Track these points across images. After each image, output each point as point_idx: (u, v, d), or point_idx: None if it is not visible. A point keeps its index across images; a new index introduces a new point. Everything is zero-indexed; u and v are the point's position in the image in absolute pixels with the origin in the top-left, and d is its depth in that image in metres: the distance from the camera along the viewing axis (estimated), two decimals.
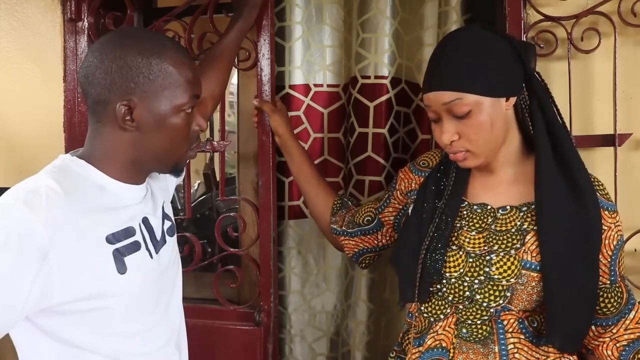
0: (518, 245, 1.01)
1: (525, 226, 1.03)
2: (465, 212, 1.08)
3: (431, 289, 1.07)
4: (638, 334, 1.03)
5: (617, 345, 1.03)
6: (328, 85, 1.66)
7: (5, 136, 1.77)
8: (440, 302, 1.06)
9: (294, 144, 1.43)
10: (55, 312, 0.87)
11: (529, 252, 1.01)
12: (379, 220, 1.25)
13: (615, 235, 1.03)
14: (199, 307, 1.60)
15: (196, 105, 0.99)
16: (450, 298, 1.05)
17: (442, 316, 1.06)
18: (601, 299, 1.03)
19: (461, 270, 1.03)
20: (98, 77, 0.92)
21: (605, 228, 1.02)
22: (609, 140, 1.34)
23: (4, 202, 0.84)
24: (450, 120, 1.01)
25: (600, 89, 1.37)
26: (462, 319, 1.04)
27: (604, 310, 1.04)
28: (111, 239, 0.91)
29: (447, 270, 1.04)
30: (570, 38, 1.35)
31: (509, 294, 1.00)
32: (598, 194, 1.03)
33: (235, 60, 1.49)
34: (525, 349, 1.01)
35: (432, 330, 1.07)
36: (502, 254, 1.01)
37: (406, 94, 1.64)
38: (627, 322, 1.04)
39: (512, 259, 1.00)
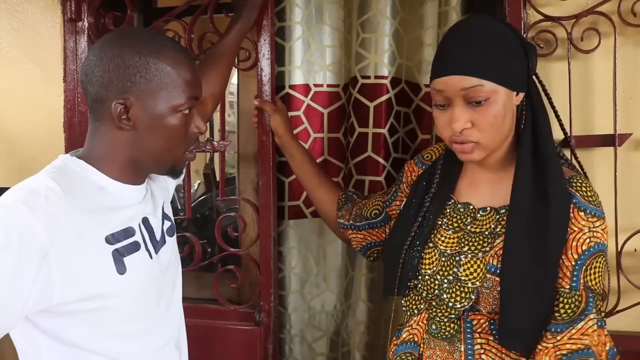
0: (487, 249, 1.00)
1: (497, 229, 1.01)
2: (448, 211, 1.09)
3: (409, 284, 1.08)
4: (580, 345, 0.95)
5: (557, 353, 0.96)
6: (328, 85, 1.66)
7: (5, 136, 1.77)
8: (416, 297, 1.08)
9: (294, 143, 1.43)
10: (56, 313, 0.87)
11: (495, 256, 0.99)
12: (387, 213, 1.25)
13: (588, 240, 0.96)
14: (199, 307, 1.60)
15: (195, 107, 0.99)
16: (424, 294, 1.06)
17: (416, 311, 1.08)
18: (556, 302, 0.97)
19: (434, 268, 1.04)
20: (96, 75, 0.92)
21: (576, 229, 0.96)
22: (609, 140, 1.34)
23: (3, 203, 0.84)
24: (464, 108, 0.98)
25: (600, 89, 1.37)
26: (432, 315, 1.05)
27: (556, 315, 0.97)
28: (110, 239, 0.91)
29: (423, 267, 1.06)
30: (570, 38, 1.35)
31: (473, 297, 0.99)
32: (579, 194, 0.97)
33: (235, 60, 1.49)
34: (494, 350, 1.00)
35: (408, 324, 1.09)
36: (470, 255, 1.01)
37: (406, 94, 1.64)
38: (573, 331, 0.96)
39: (478, 262, 1.00)
